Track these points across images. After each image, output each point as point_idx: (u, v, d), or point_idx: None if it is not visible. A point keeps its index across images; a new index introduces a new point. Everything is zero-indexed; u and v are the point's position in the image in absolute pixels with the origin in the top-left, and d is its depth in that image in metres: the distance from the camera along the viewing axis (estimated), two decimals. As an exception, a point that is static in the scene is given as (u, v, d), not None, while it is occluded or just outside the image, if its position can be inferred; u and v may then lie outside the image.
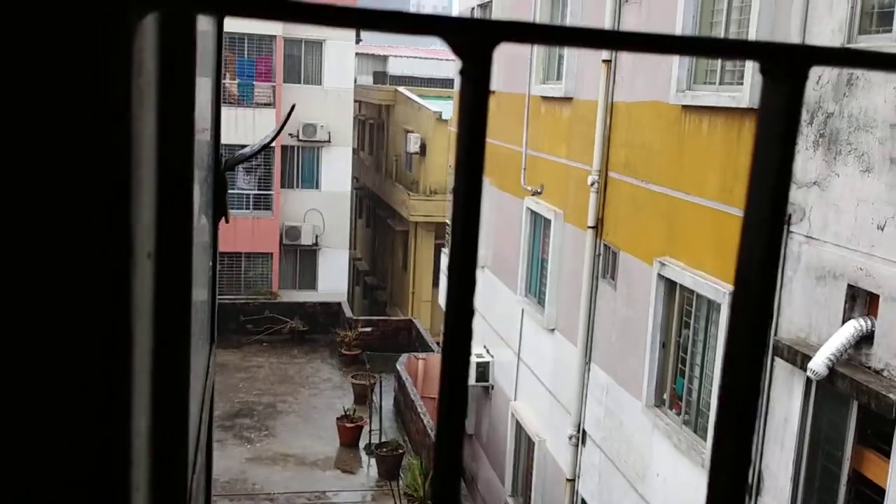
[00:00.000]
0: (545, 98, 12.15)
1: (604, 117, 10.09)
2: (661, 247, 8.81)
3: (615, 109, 9.97)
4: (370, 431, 16.53)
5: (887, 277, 5.77)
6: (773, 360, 6.92)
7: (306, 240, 25.89)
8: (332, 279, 26.57)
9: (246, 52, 24.95)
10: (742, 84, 7.52)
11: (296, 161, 26.21)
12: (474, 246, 0.38)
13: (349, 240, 27.97)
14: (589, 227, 10.41)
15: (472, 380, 14.29)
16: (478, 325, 13.52)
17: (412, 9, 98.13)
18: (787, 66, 0.43)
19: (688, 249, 8.33)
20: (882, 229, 5.82)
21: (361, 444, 16.66)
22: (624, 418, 9.63)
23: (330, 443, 16.81)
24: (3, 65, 0.41)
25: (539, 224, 12.51)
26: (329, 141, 25.93)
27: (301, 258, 26.53)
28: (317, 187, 26.42)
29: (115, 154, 0.43)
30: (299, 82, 25.55)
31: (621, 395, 9.72)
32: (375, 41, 42.19)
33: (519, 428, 12.97)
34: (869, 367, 5.97)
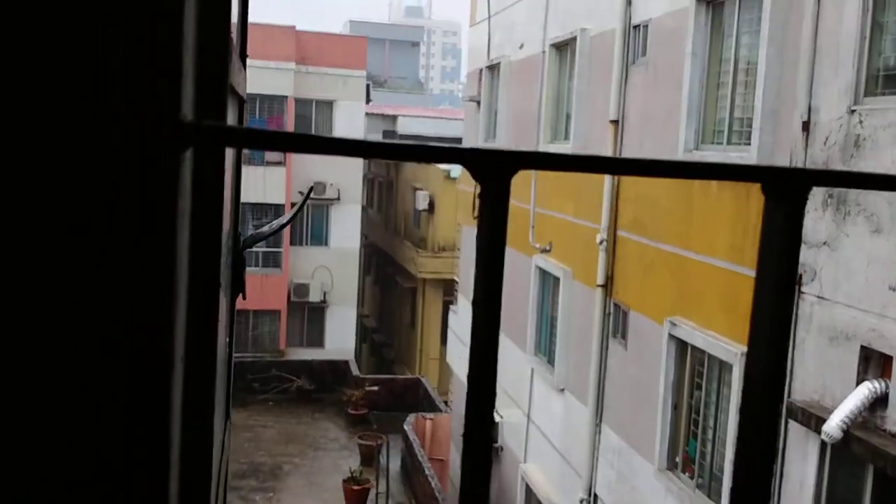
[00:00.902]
0: (553, 157, 12.24)
1: (612, 176, 10.15)
2: (672, 306, 8.77)
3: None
4: (377, 494, 16.27)
5: (902, 339, 5.70)
6: (787, 423, 6.81)
7: (314, 297, 25.91)
8: (340, 336, 26.50)
9: (258, 112, 25.35)
10: (749, 144, 7.57)
11: (305, 218, 26.41)
12: (493, 379, 0.39)
13: (357, 297, 27.98)
14: (598, 286, 10.39)
15: (480, 440, 14.09)
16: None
17: (422, 71, 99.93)
18: (787, 188, 0.45)
19: (699, 309, 8.29)
20: (894, 290, 5.78)
21: (368, 505, 16.37)
22: (636, 482, 9.46)
23: (336, 505, 16.53)
24: (84, 189, 0.46)
25: (548, 282, 12.49)
26: (338, 198, 26.16)
27: (309, 315, 26.51)
28: (325, 244, 26.55)
29: (161, 269, 0.48)
30: (309, 141, 25.86)
31: (633, 458, 9.56)
32: (385, 101, 42.88)
33: (529, 491, 12.74)
34: (884, 431, 5.87)
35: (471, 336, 0.40)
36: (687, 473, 8.62)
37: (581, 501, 10.67)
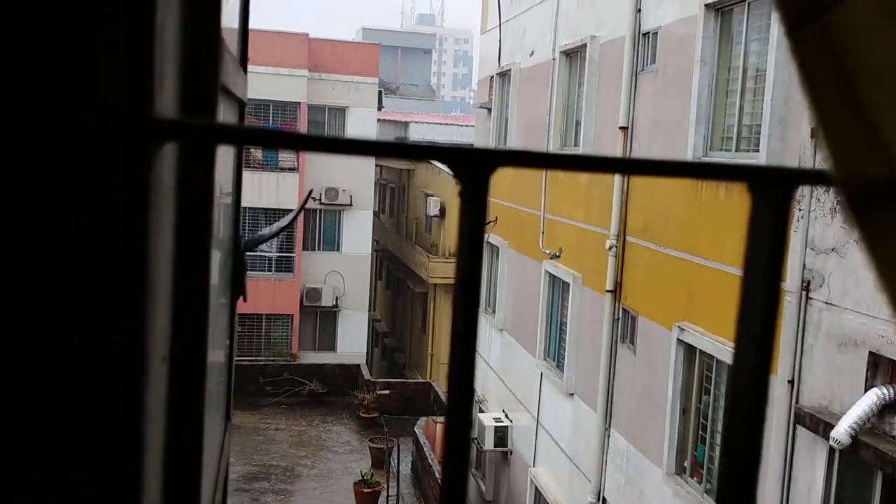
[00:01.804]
0: (563, 163, 12.28)
1: (621, 182, 10.18)
2: (681, 312, 8.79)
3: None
4: (388, 497, 16.30)
5: (908, 345, 5.72)
6: (795, 429, 6.83)
7: (326, 301, 25.98)
8: (352, 341, 26.56)
9: (271, 118, 25.48)
10: (758, 150, 7.59)
11: (317, 224, 26.50)
12: (471, 376, 0.42)
13: (369, 301, 28.03)
14: (607, 291, 10.41)
15: (490, 444, 14.12)
16: (496, 388, 13.41)
17: (433, 78, 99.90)
18: (772, 187, 0.45)
19: (707, 314, 8.30)
20: (901, 296, 5.79)
21: (378, 509, 16.42)
22: (644, 486, 9.47)
23: (346, 508, 16.58)
24: (33, 182, 0.45)
25: (558, 287, 12.52)
26: (350, 204, 26.24)
27: (321, 320, 26.59)
28: (338, 250, 26.63)
29: (128, 269, 0.47)
30: (322, 147, 25.97)
31: (642, 462, 9.57)
32: (397, 107, 42.97)
33: (538, 495, 12.75)
34: (893, 437, 5.88)
35: (451, 334, 0.44)
36: (695, 478, 8.63)
37: (590, 506, 10.68)
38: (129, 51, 0.45)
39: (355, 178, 26.11)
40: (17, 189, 0.46)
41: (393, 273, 31.29)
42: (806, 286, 6.79)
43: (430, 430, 18.54)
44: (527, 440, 13.40)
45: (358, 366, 24.40)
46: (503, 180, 14.88)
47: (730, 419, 0.46)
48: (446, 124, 35.20)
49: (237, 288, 1.54)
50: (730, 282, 7.89)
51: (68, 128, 0.45)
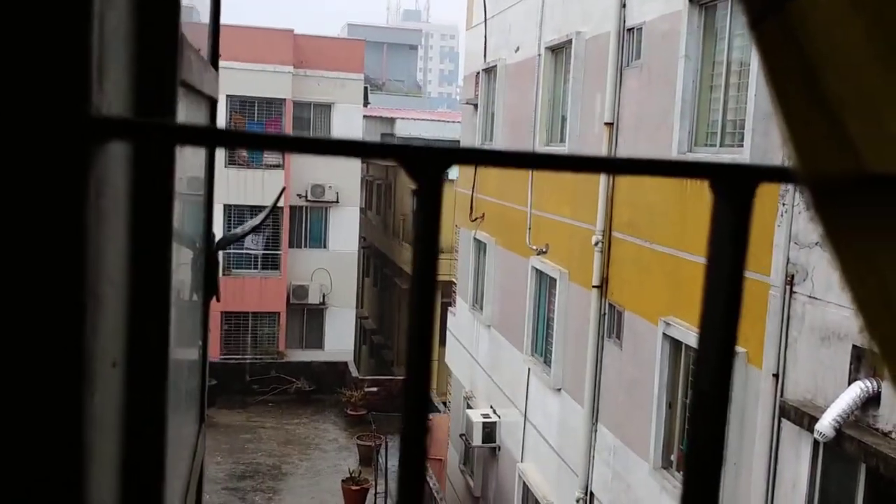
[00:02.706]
0: (549, 159, 12.29)
1: (607, 178, 10.20)
2: (666, 306, 8.82)
3: (617, 175, 10.07)
4: (375, 494, 16.30)
5: (891, 338, 5.75)
6: (780, 422, 6.86)
7: (313, 299, 25.93)
8: (339, 338, 26.53)
9: (256, 115, 25.38)
10: (742, 146, 7.62)
11: (304, 221, 26.43)
12: (427, 378, 0.41)
13: (356, 299, 28.00)
14: (594, 287, 10.43)
15: (478, 440, 14.14)
16: (484, 384, 13.42)
17: (419, 74, 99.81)
18: (735, 184, 0.44)
19: (692, 309, 8.33)
20: (884, 290, 5.82)
21: (367, 506, 16.41)
22: (631, 480, 9.50)
23: (335, 505, 16.57)
24: None
25: (544, 283, 12.54)
26: (337, 201, 26.19)
27: (308, 317, 26.54)
28: (324, 247, 26.58)
29: (63, 269, 0.45)
30: (308, 144, 25.92)
31: (629, 457, 9.61)
32: (383, 104, 42.88)
33: (526, 490, 12.78)
34: (877, 430, 5.92)
35: (408, 328, 0.43)
36: (682, 472, 8.66)
37: (577, 500, 10.71)
38: (61, 46, 0.43)
39: (341, 175, 26.05)
40: None
41: (380, 270, 31.26)
42: (790, 280, 6.82)
43: (418, 426, 18.53)
44: (514, 436, 13.42)
45: (345, 363, 24.37)
46: (490, 177, 14.88)
47: (694, 415, 0.46)
48: (433, 120, 35.16)
49: (210, 287, 1.52)
50: (715, 276, 7.90)
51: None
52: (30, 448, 0.46)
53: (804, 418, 6.43)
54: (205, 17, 1.34)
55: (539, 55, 12.69)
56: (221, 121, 23.87)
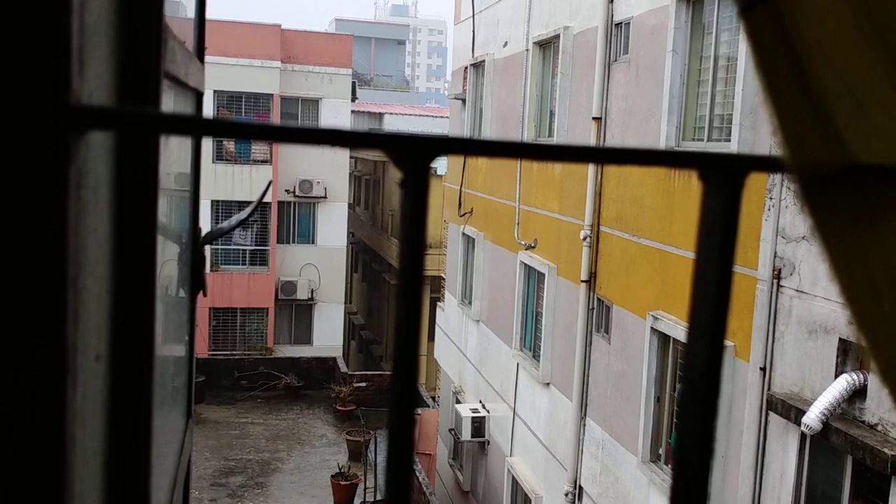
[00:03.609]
0: (538, 154, 12.29)
1: (595, 173, 10.22)
2: (654, 301, 8.84)
3: (606, 165, 10.09)
4: (365, 489, 16.30)
5: (877, 331, 5.79)
6: (767, 415, 6.90)
7: (302, 294, 25.88)
8: (328, 334, 26.50)
9: (244, 110, 25.28)
10: (730, 140, 7.65)
11: (292, 217, 26.37)
12: (414, 371, 0.40)
13: (345, 294, 27.96)
14: (582, 281, 10.45)
15: (468, 435, 14.15)
16: (473, 379, 13.41)
17: (408, 69, 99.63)
18: (724, 174, 0.44)
19: (680, 303, 8.36)
20: (870, 283, 5.86)
21: (356, 501, 16.41)
22: (620, 474, 9.54)
23: (324, 501, 16.55)
24: None
25: (533, 278, 12.55)
26: (325, 197, 26.13)
27: (297, 313, 26.49)
28: (313, 242, 26.52)
29: (47, 259, 0.44)
30: (296, 139, 25.86)
31: (617, 450, 9.64)
32: (371, 99, 42.79)
33: (515, 484, 12.81)
34: (863, 422, 5.96)
35: (395, 321, 0.42)
36: (670, 465, 8.70)
37: (566, 494, 10.75)
38: (40, 33, 0.42)
39: (330, 170, 26.00)
40: None
41: (369, 265, 31.22)
42: (777, 274, 6.85)
43: (408, 421, 18.53)
44: (503, 430, 13.45)
45: (334, 359, 24.35)
46: (478, 171, 14.88)
47: (683, 406, 0.46)
48: (421, 115, 35.13)
49: (196, 282, 1.51)
50: (702, 271, 7.93)
51: None
52: (10, 442, 0.46)
53: (791, 411, 6.46)
54: (190, 11, 1.33)
55: (527, 50, 12.68)
56: (209, 115, 23.73)
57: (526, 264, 12.61)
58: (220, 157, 24.33)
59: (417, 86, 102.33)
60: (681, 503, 0.46)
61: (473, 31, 15.30)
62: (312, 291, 26.08)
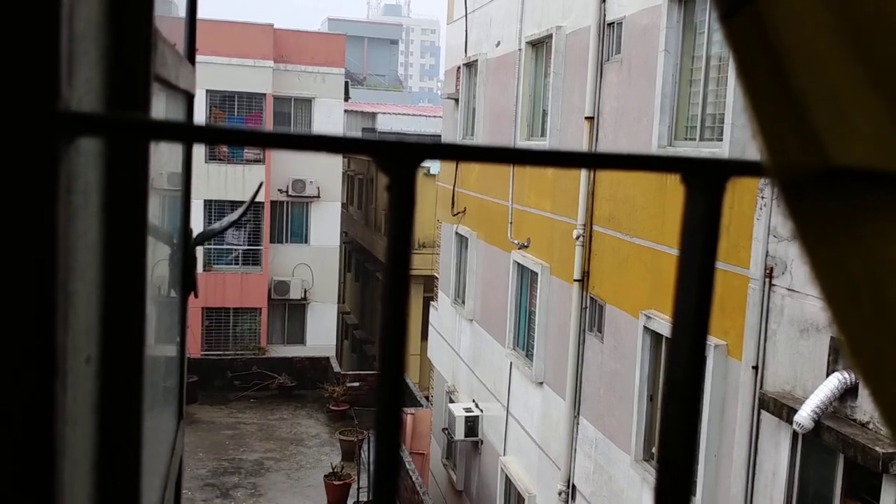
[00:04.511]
0: (530, 153, 12.31)
1: (588, 172, 10.23)
2: (647, 300, 8.86)
3: (590, 170, 10.10)
4: (358, 489, 16.30)
5: (868, 329, 5.82)
6: (759, 414, 6.93)
7: (295, 294, 25.84)
8: (321, 333, 26.47)
9: (236, 110, 25.23)
10: (721, 140, 7.67)
11: (285, 216, 26.33)
12: (401, 373, 0.41)
13: (338, 294, 27.94)
14: (575, 281, 10.47)
15: (461, 434, 14.16)
16: (467, 378, 13.41)
17: (401, 69, 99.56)
18: (706, 178, 0.45)
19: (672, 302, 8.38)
20: (861, 282, 5.88)
21: (350, 501, 16.41)
22: (613, 472, 9.56)
23: (317, 501, 16.54)
24: None
25: (526, 277, 12.57)
26: (318, 196, 26.10)
27: (290, 313, 26.45)
28: (306, 242, 26.49)
29: (37, 263, 0.45)
30: (288, 138, 25.83)
31: (610, 449, 9.66)
32: (364, 98, 42.75)
33: (509, 483, 12.83)
34: (854, 420, 5.99)
35: (381, 324, 0.43)
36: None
37: (560, 492, 10.76)
38: (27, 39, 0.43)
39: (323, 169, 25.97)
40: None
41: (362, 265, 31.20)
42: (769, 273, 6.88)
43: (401, 421, 18.53)
44: (497, 429, 13.46)
45: (327, 358, 24.32)
46: (472, 171, 14.88)
47: (667, 406, 0.46)
48: (414, 115, 35.11)
49: (187, 283, 1.52)
50: (695, 270, 7.95)
51: None
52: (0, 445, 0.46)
53: (783, 410, 6.49)
54: (181, 11, 1.33)
55: (520, 50, 12.69)
56: (201, 116, 23.72)
57: (519, 263, 12.62)
58: (212, 156, 24.28)
59: (410, 85, 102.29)
60: (665, 502, 0.46)
61: (466, 31, 15.31)
62: (305, 291, 26.05)
